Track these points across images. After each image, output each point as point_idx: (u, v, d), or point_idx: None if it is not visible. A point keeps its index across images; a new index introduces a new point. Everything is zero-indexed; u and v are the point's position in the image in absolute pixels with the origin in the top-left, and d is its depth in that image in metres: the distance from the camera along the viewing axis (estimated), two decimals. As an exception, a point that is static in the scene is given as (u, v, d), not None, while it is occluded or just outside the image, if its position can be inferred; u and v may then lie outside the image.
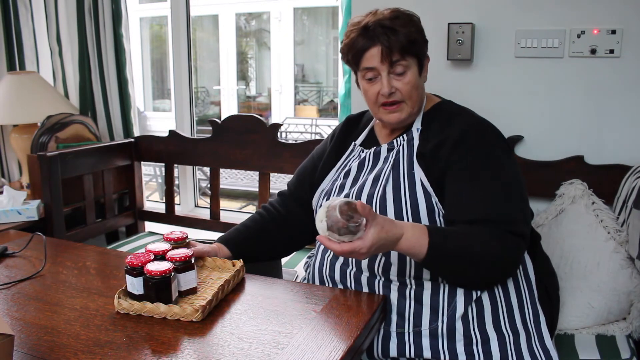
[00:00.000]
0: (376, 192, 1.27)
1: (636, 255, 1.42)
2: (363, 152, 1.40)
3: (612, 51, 1.66)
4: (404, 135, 1.33)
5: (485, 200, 1.19)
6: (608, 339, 1.45)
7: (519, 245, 1.18)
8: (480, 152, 1.23)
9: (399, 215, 1.23)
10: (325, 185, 1.43)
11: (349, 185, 1.36)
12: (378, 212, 1.24)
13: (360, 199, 1.28)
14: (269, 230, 1.48)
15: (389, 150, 1.34)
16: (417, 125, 1.32)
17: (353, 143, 1.45)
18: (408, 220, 1.22)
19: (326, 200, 1.36)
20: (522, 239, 1.18)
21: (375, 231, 1.06)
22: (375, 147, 1.37)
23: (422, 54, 1.32)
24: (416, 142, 1.30)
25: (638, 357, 1.38)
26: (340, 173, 1.42)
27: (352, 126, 1.50)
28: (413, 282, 1.23)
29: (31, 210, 1.95)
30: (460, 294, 1.20)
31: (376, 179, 1.30)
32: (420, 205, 1.23)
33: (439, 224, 1.23)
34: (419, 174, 1.25)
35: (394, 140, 1.34)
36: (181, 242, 1.30)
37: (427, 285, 1.22)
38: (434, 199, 1.23)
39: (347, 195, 1.33)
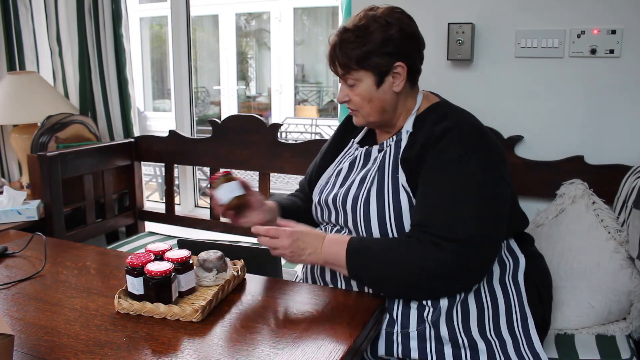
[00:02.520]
0: (361, 195, 1.28)
1: (636, 255, 1.42)
2: (357, 150, 1.40)
3: (612, 51, 1.66)
4: (394, 137, 1.32)
5: (434, 203, 1.17)
6: (608, 339, 1.45)
7: (456, 252, 1.13)
8: (450, 153, 1.19)
9: (381, 218, 1.24)
10: (322, 181, 1.44)
11: (338, 185, 1.37)
12: (362, 215, 1.26)
13: (346, 201, 1.30)
14: (306, 213, 1.49)
15: (379, 151, 1.34)
16: (407, 127, 1.30)
17: (352, 140, 1.45)
18: (391, 224, 1.23)
19: (318, 195, 1.40)
20: (462, 245, 1.13)
21: (292, 230, 1.22)
22: (367, 147, 1.38)
23: (378, 66, 1.25)
24: (403, 144, 1.28)
25: (638, 357, 1.38)
26: (334, 170, 1.42)
27: (353, 123, 1.47)
28: None
29: (31, 210, 1.95)
30: (443, 298, 1.20)
31: (362, 181, 1.31)
32: (403, 210, 1.22)
33: None
34: (402, 178, 1.25)
35: (385, 142, 1.34)
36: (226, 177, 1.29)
37: None
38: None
39: (335, 196, 1.34)
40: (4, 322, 0.91)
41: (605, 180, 1.67)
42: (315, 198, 1.43)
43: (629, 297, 1.48)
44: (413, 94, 1.34)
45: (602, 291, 1.48)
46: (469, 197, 1.16)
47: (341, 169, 1.40)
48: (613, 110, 1.70)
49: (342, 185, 1.35)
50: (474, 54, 1.83)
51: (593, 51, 1.68)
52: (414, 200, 1.22)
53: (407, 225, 1.22)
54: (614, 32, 1.65)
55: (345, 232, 1.32)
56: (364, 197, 1.27)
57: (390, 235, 1.23)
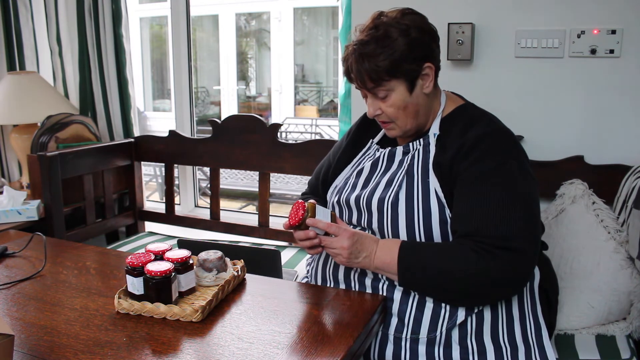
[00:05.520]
0: (388, 196, 1.25)
1: (636, 255, 1.42)
2: (378, 151, 1.37)
3: (612, 51, 1.66)
4: (421, 140, 1.29)
5: (483, 212, 1.15)
6: (608, 339, 1.45)
7: (511, 262, 1.12)
8: (490, 161, 1.18)
9: (410, 223, 1.22)
10: (338, 181, 1.41)
11: (361, 186, 1.33)
12: (389, 217, 1.24)
13: (371, 202, 1.27)
14: None
15: (405, 153, 1.31)
16: (434, 130, 1.28)
17: (370, 140, 1.43)
18: (420, 229, 1.21)
19: (337, 195, 1.37)
20: (517, 254, 1.12)
21: (354, 231, 1.21)
22: (390, 148, 1.34)
23: (410, 72, 1.22)
24: (432, 149, 1.26)
25: (638, 357, 1.38)
26: (353, 170, 1.39)
27: (370, 122, 1.44)
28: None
29: (31, 210, 1.95)
30: (486, 307, 1.19)
31: (389, 183, 1.27)
32: (432, 215, 1.21)
33: (450, 236, 1.21)
34: (434, 183, 1.22)
35: (410, 144, 1.31)
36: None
37: None
38: (447, 210, 1.21)
39: (358, 197, 1.31)
40: (4, 322, 0.91)
41: (605, 180, 1.67)
42: (333, 198, 1.39)
43: (629, 297, 1.48)
44: (437, 94, 1.32)
45: (602, 291, 1.48)
46: (515, 206, 1.15)
47: (361, 169, 1.37)
48: (613, 110, 1.70)
49: (365, 187, 1.32)
50: (474, 54, 1.83)
51: (593, 51, 1.68)
52: (445, 205, 1.21)
53: (435, 229, 1.21)
54: (614, 32, 1.65)
55: (368, 233, 1.30)
56: (391, 199, 1.24)
57: (418, 238, 1.22)
